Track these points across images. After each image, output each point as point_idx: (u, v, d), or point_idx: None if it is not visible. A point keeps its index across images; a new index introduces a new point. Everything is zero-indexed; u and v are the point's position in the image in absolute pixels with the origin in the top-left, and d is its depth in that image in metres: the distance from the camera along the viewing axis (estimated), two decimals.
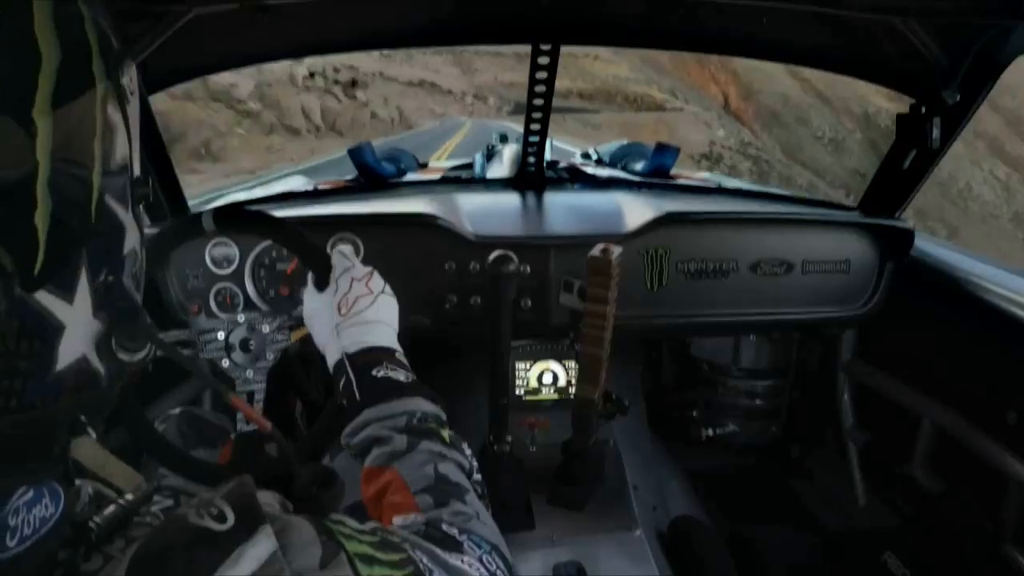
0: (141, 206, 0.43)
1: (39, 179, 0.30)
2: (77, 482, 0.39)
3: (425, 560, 0.43)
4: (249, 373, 0.88)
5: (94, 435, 0.42)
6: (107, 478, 0.41)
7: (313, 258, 0.83)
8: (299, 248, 0.86)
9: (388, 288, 0.80)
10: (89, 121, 0.34)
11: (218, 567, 0.33)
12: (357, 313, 0.74)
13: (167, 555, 0.33)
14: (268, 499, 0.39)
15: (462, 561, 0.46)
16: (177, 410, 0.93)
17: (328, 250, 1.15)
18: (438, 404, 0.68)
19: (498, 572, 0.50)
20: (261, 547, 0.34)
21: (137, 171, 0.41)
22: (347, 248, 0.82)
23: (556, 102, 1.24)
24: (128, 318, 0.39)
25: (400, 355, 0.73)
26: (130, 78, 0.39)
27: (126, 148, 0.38)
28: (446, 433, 0.64)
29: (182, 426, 0.91)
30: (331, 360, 0.74)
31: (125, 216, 0.39)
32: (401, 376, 0.69)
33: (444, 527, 0.51)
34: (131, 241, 0.40)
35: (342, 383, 0.69)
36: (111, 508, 0.37)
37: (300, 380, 1.43)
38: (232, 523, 0.34)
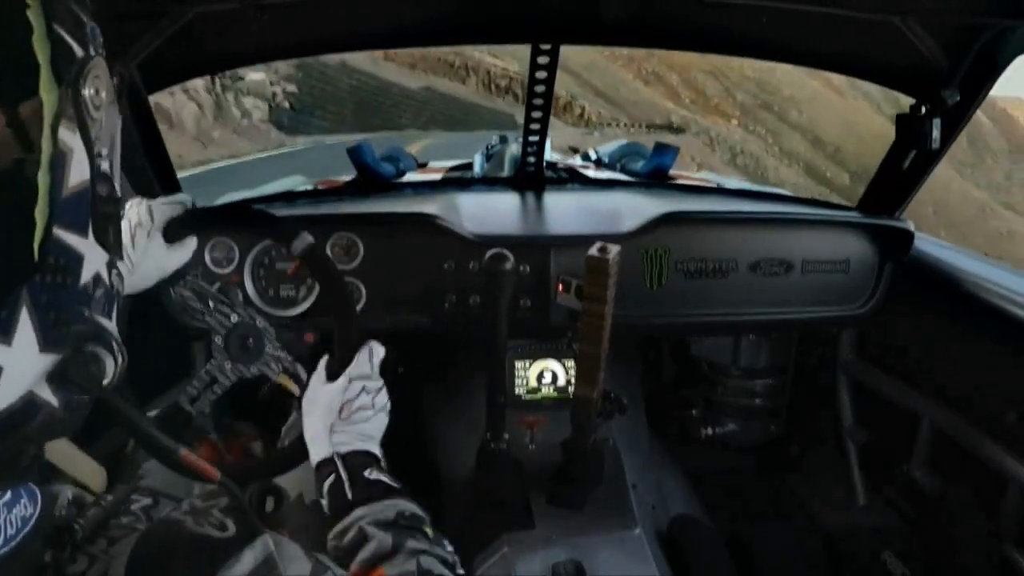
0: (114, 222, 0.40)
1: None
2: (55, 487, 0.39)
3: None
4: (227, 364, 0.87)
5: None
6: (75, 474, 0.42)
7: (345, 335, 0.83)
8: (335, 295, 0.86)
9: (388, 405, 0.82)
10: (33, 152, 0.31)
11: (220, 569, 0.34)
12: (355, 423, 0.77)
13: (167, 559, 0.34)
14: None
15: None
16: (153, 412, 0.94)
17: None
18: (422, 506, 0.70)
19: None
20: (259, 550, 0.36)
21: (108, 189, 0.38)
22: (379, 351, 0.85)
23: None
24: (88, 346, 0.37)
25: (383, 463, 0.76)
26: (95, 89, 0.36)
27: (85, 171, 0.36)
28: (429, 530, 0.67)
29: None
30: (317, 455, 0.75)
31: (83, 243, 0.36)
32: (391, 481, 0.72)
33: None
34: (93, 267, 0.37)
35: (329, 481, 0.71)
36: (92, 510, 0.37)
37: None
38: (233, 532, 0.36)
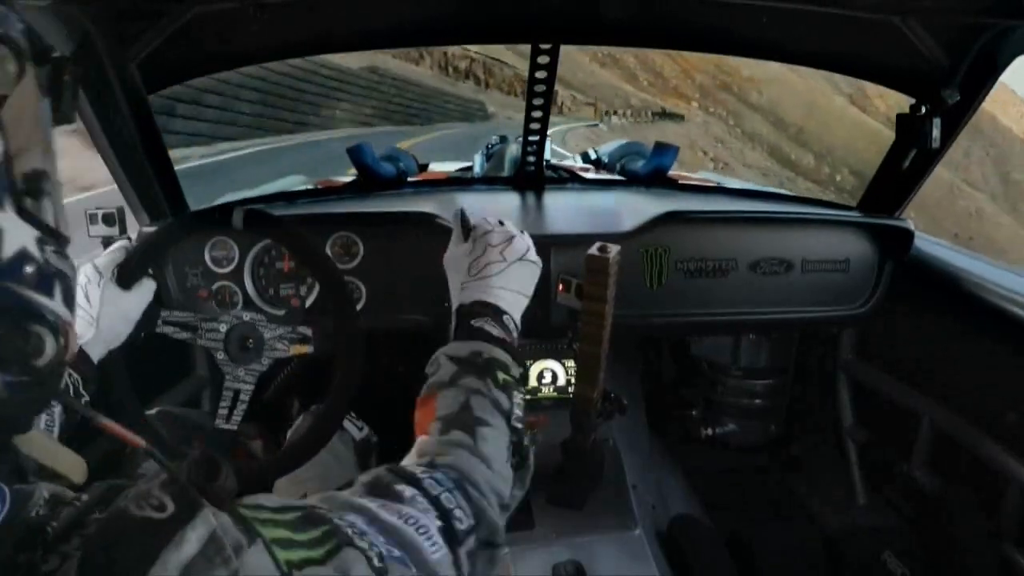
0: (47, 200, 0.40)
1: None
2: (29, 486, 0.38)
3: (359, 523, 0.45)
4: (240, 371, 0.89)
5: (43, 426, 0.41)
6: (55, 467, 0.41)
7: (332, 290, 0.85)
8: (312, 264, 0.88)
9: (531, 253, 0.83)
10: None
11: (161, 551, 0.33)
12: (484, 278, 0.79)
13: (113, 548, 0.33)
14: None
15: (399, 514, 0.48)
16: (154, 410, 0.95)
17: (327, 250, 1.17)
18: (517, 360, 0.70)
19: (456, 510, 0.51)
20: (201, 528, 0.35)
21: (32, 164, 0.38)
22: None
23: None
24: (22, 323, 0.37)
25: (509, 318, 0.76)
26: None
27: None
28: (503, 377, 0.67)
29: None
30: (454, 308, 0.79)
31: (3, 217, 0.36)
32: (496, 331, 0.72)
33: (408, 467, 0.54)
34: (16, 241, 0.37)
35: (451, 327, 0.74)
36: (67, 510, 0.37)
37: (300, 389, 1.43)
38: (172, 510, 0.35)
